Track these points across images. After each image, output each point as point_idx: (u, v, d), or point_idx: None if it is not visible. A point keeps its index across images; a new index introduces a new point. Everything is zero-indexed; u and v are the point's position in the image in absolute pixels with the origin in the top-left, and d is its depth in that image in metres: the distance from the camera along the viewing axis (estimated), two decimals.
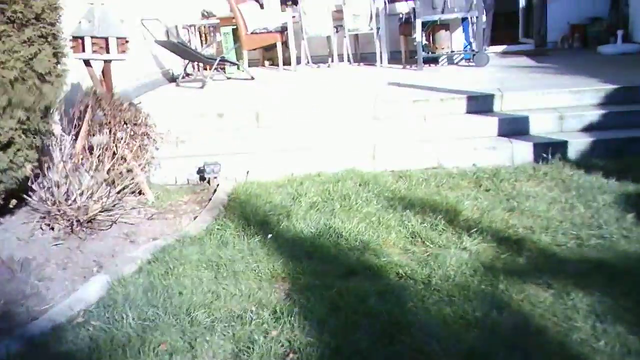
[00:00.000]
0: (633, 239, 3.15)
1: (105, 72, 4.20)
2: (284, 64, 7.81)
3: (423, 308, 2.63)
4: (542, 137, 4.51)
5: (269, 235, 3.46)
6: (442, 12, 6.72)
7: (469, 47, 7.31)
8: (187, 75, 7.49)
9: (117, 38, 4.08)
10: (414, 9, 6.93)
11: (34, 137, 3.57)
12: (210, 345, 2.42)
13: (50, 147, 3.74)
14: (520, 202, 3.71)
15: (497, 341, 2.33)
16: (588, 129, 4.54)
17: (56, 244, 3.38)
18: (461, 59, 7.27)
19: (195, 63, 7.52)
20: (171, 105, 5.76)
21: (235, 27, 7.69)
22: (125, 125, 4.09)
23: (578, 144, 4.39)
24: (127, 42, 4.19)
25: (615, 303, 2.54)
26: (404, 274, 2.94)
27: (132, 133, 4.12)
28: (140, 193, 4.22)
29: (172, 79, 7.25)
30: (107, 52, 4.05)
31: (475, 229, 3.36)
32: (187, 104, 5.85)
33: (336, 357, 2.30)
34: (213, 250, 3.30)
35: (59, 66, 3.76)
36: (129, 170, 4.03)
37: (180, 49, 6.75)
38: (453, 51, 7.21)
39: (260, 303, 2.73)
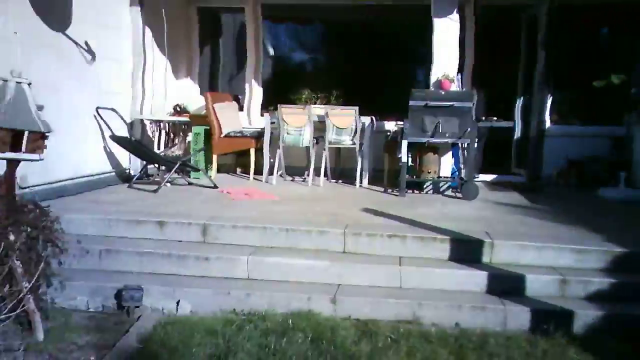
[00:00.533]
0: None
1: (8, 174, 3.38)
2: (255, 173, 7.11)
3: None
4: (542, 303, 3.66)
5: None
6: (432, 136, 6.12)
7: (457, 174, 6.67)
8: (148, 176, 6.75)
9: (30, 132, 3.31)
10: (402, 128, 6.34)
11: None
12: None
13: None
14: None
15: None
16: (596, 298, 3.70)
17: None
18: (448, 187, 6.58)
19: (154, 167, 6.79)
20: (108, 208, 4.93)
21: (208, 127, 7.07)
22: (21, 229, 3.22)
23: (586, 317, 3.53)
24: (44, 137, 3.42)
25: None
26: None
27: (29, 240, 3.26)
28: (29, 324, 3.29)
29: (128, 179, 6.48)
30: (13, 149, 3.27)
31: None
32: (128, 207, 5.03)
33: None
34: None
35: None
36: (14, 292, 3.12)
37: (137, 148, 6.03)
38: (440, 177, 6.54)
39: None
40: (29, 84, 3.43)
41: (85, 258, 4.08)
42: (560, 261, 3.99)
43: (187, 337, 3.34)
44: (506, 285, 3.80)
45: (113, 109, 6.03)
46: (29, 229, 3.33)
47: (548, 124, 7.53)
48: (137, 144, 6.04)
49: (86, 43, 5.67)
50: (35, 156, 3.34)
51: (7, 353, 2.99)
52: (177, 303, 3.84)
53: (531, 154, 7.45)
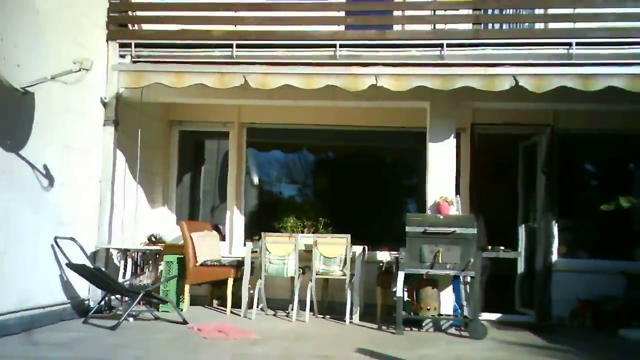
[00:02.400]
0: None
1: None
2: (233, 307, 6.31)
3: None
4: None
5: None
6: (431, 267, 5.47)
7: (459, 311, 5.92)
8: (110, 309, 5.94)
9: None
10: (397, 258, 5.70)
11: None
12: None
13: None
14: None
15: None
16: None
17: None
18: (450, 326, 5.80)
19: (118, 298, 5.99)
20: (49, 355, 4.07)
21: (181, 256, 6.39)
22: None
23: None
24: None
25: None
26: None
27: None
28: None
29: (86, 312, 5.64)
30: None
31: None
32: (75, 353, 4.17)
33: None
34: None
35: None
36: None
37: (96, 276, 5.28)
38: (441, 314, 5.78)
39: None
40: None
41: None
42: None
43: None
44: None
45: (72, 239, 5.37)
46: None
47: (555, 256, 6.91)
48: (97, 272, 5.30)
49: (45, 167, 5.14)
50: None
51: None
52: None
53: (540, 292, 6.76)
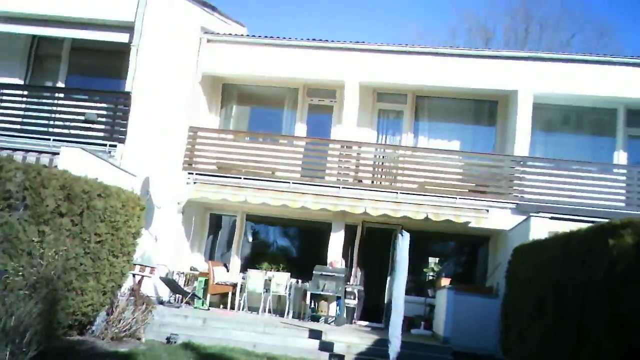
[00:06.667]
0: None
1: (140, 282, 9.25)
2: (231, 307, 12.81)
3: None
4: None
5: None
6: (322, 291, 12.00)
7: (339, 314, 12.38)
8: (175, 301, 12.46)
9: (150, 267, 9.23)
10: (308, 285, 12.23)
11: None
12: None
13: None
14: None
15: None
16: None
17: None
18: (332, 321, 12.25)
19: (178, 296, 12.54)
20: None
21: (207, 278, 12.92)
22: (142, 305, 8.96)
23: None
24: (153, 269, 9.34)
25: None
26: None
27: (143, 309, 8.97)
28: (138, 339, 8.87)
29: (160, 302, 12.13)
30: (145, 271, 9.18)
31: None
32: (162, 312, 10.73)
33: None
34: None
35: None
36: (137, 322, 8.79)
37: (171, 284, 11.84)
38: (328, 315, 12.23)
39: None
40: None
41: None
42: None
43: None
44: (328, 345, 9.44)
45: (164, 264, 11.90)
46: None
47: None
48: (172, 282, 11.84)
49: (156, 237, 11.74)
50: (150, 275, 9.19)
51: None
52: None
53: (388, 311, 13.24)
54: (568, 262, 6.61)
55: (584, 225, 6.82)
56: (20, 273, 6.45)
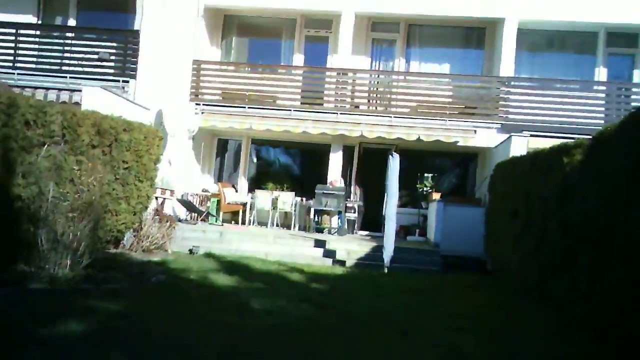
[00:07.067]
0: None
1: (163, 203, 10.43)
2: (242, 223, 14.11)
3: None
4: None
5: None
6: (325, 207, 13.25)
7: (340, 226, 13.70)
8: (191, 219, 13.75)
9: (169, 190, 10.38)
10: (311, 202, 13.47)
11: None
12: None
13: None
14: None
15: None
16: None
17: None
18: (335, 232, 13.59)
19: (194, 214, 13.82)
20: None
21: (219, 199, 14.14)
22: (166, 223, 10.20)
23: None
24: (173, 192, 10.50)
25: None
26: None
27: (167, 225, 10.22)
28: (165, 251, 10.17)
29: (179, 221, 13.40)
30: (165, 194, 10.33)
31: None
32: (184, 227, 12.01)
33: None
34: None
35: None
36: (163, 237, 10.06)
37: (188, 204, 13.07)
38: (331, 227, 13.56)
39: None
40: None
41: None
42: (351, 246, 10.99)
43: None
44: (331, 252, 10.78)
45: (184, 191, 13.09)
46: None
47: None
48: (188, 202, 13.06)
49: (169, 160, 12.82)
50: (170, 197, 10.35)
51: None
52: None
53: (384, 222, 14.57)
54: (535, 177, 7.73)
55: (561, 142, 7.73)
56: (65, 198, 7.57)
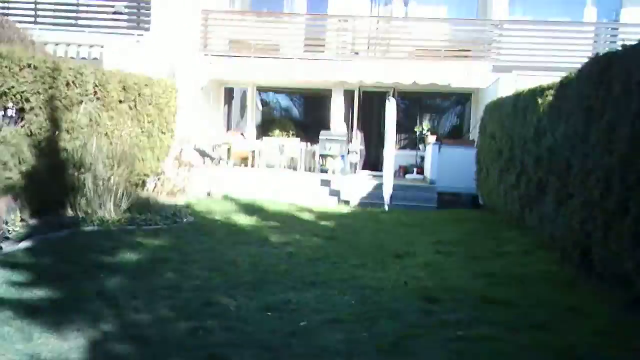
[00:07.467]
0: None
1: (181, 151, 11.44)
2: (251, 166, 15.16)
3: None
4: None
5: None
6: (329, 151, 14.25)
7: (343, 167, 14.73)
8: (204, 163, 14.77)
9: (186, 138, 11.37)
10: (316, 147, 14.47)
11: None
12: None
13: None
14: None
15: None
16: None
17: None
18: (339, 173, 14.65)
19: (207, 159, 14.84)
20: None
21: (229, 147, 15.13)
22: (186, 168, 11.24)
23: None
24: (189, 140, 11.49)
25: None
26: None
27: (186, 170, 11.27)
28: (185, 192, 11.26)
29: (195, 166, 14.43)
30: (182, 143, 11.32)
31: None
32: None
33: None
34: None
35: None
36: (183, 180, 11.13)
37: (202, 152, 14.09)
38: (334, 169, 14.60)
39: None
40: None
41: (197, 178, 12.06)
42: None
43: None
44: (336, 192, 11.86)
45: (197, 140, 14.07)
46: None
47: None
48: (202, 150, 14.07)
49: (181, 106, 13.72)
50: (187, 147, 11.34)
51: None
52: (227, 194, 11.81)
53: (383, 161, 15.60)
54: (516, 117, 8.68)
55: (548, 81, 8.00)
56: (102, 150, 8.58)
